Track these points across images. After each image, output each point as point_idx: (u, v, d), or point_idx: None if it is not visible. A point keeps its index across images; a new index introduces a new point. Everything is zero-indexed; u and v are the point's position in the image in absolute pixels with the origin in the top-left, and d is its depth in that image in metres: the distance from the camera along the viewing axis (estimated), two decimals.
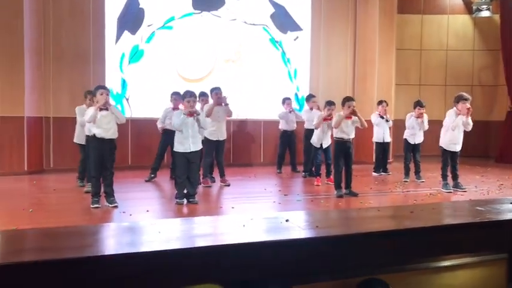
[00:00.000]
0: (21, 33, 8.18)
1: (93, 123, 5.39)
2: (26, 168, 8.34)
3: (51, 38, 8.84)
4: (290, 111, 8.67)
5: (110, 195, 5.50)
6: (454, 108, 6.57)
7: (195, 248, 2.12)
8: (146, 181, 7.53)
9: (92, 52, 9.10)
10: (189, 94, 5.87)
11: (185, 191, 5.80)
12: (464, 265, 2.81)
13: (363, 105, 10.26)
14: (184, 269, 2.04)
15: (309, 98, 8.71)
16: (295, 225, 2.52)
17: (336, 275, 2.52)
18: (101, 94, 5.38)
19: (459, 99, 6.48)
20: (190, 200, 5.79)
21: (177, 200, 5.77)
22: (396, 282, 2.59)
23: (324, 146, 7.50)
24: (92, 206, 5.38)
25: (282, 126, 8.74)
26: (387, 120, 8.56)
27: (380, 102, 8.61)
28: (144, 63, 9.42)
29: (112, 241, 2.24)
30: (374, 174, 8.52)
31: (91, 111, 5.38)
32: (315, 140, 7.56)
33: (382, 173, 8.54)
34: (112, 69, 9.24)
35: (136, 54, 9.37)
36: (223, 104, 7.19)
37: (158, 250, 1.98)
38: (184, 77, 9.68)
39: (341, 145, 6.31)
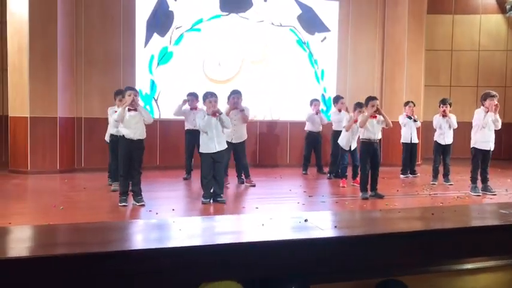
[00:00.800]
0: (54, 37, 8.45)
1: (121, 123, 5.52)
2: (58, 167, 8.60)
3: (83, 42, 9.09)
4: (316, 113, 8.67)
5: (137, 194, 5.62)
6: (482, 107, 6.45)
7: (213, 245, 2.16)
8: (184, 179, 7.78)
9: (122, 54, 9.31)
10: (210, 94, 5.98)
11: (212, 191, 5.89)
12: (487, 268, 2.77)
13: (391, 107, 10.17)
14: (201, 265, 2.08)
15: (337, 99, 8.67)
16: (314, 225, 2.54)
17: (354, 275, 2.53)
18: (129, 95, 5.51)
19: (486, 96, 6.37)
20: (218, 199, 5.86)
21: (203, 200, 5.84)
22: (416, 284, 2.57)
23: (352, 148, 7.46)
24: (119, 204, 5.52)
25: (308, 127, 8.75)
26: (415, 121, 8.45)
27: (407, 103, 8.52)
28: (172, 65, 9.57)
29: (138, 237, 2.30)
30: (401, 176, 8.41)
31: (120, 110, 5.52)
32: (343, 142, 7.52)
33: (410, 175, 8.43)
34: (141, 71, 9.42)
35: (165, 56, 9.54)
36: (238, 109, 7.09)
37: (177, 246, 2.03)
38: (212, 78, 9.79)
39: (368, 146, 6.27)
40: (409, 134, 8.43)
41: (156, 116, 9.52)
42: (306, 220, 2.64)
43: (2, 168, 8.65)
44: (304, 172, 8.73)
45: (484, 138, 6.42)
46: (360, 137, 6.47)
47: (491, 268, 2.78)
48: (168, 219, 2.98)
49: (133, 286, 1.95)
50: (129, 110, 5.52)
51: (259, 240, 2.32)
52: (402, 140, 8.55)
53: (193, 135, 6.78)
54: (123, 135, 5.56)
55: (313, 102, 8.84)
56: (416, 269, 2.64)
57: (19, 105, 8.51)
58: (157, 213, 5.15)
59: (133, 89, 5.78)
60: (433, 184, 7.44)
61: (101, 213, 5.24)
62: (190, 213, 5.44)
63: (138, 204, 5.55)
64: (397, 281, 2.48)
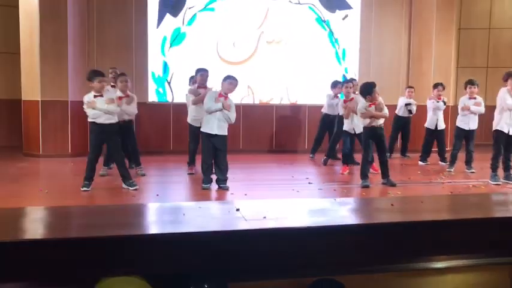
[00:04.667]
0: (65, 19, 8.36)
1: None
2: (69, 151, 8.57)
3: (94, 24, 8.97)
4: (335, 96, 8.15)
5: (126, 179, 5.42)
6: (507, 87, 5.81)
7: (113, 236, 1.86)
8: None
9: (134, 37, 9.14)
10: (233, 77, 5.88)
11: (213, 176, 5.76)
12: (456, 268, 2.34)
13: (418, 89, 9.51)
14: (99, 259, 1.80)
15: (335, 84, 8.18)
16: (243, 215, 2.18)
17: (284, 274, 2.17)
18: (99, 82, 5.42)
19: (508, 76, 5.72)
20: (221, 185, 5.71)
21: (203, 185, 5.69)
22: (366, 285, 2.18)
23: (357, 132, 6.95)
24: (81, 188, 5.35)
25: (324, 109, 8.29)
26: (444, 103, 7.80)
27: (435, 86, 7.86)
28: (185, 46, 9.31)
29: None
30: (420, 163, 7.83)
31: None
32: (347, 127, 7.01)
33: (441, 163, 7.77)
34: (154, 52, 9.22)
35: (177, 37, 9.28)
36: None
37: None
38: (226, 59, 9.46)
39: (371, 132, 5.81)
40: (434, 119, 7.81)
41: (169, 99, 9.33)
42: (237, 209, 2.30)
43: (17, 151, 8.71)
44: (311, 156, 8.36)
45: (508, 120, 5.78)
46: (363, 124, 6.00)
47: (461, 268, 2.34)
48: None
49: None
50: (95, 96, 5.38)
51: (169, 232, 2.00)
52: (426, 125, 7.94)
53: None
54: (93, 122, 5.44)
55: (337, 85, 8.27)
56: (365, 269, 2.25)
57: (30, 89, 8.51)
58: (157, 195, 4.93)
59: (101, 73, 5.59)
60: (449, 172, 6.84)
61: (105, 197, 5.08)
62: (186, 199, 5.25)
63: (131, 189, 5.35)
64: (333, 281, 2.10)
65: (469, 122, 6.94)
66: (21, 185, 5.68)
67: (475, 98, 6.96)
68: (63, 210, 2.65)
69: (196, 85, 6.79)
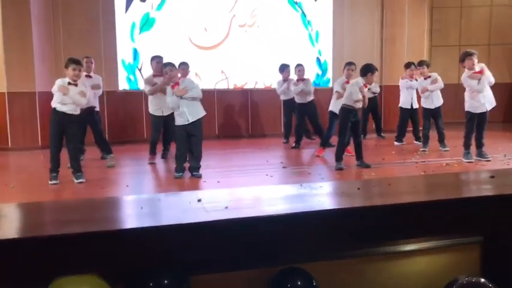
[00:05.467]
0: (27, 5, 8.04)
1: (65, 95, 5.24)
2: (40, 143, 8.31)
3: (60, 9, 8.66)
4: (284, 80, 8.09)
5: (75, 171, 5.27)
6: (466, 71, 5.85)
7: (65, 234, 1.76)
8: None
9: (102, 23, 8.86)
10: (165, 64, 5.66)
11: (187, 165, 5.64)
12: (426, 250, 2.30)
13: (392, 70, 9.53)
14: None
15: (283, 68, 8.12)
16: (204, 206, 2.09)
17: (248, 265, 2.09)
18: (73, 69, 5.23)
19: (465, 56, 5.77)
20: (194, 173, 5.58)
21: (175, 174, 5.55)
22: (332, 271, 2.13)
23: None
24: (49, 182, 5.20)
25: (282, 96, 8.31)
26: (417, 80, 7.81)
27: (408, 65, 7.84)
28: (155, 31, 9.08)
29: None
30: (396, 143, 7.84)
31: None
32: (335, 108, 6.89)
33: (416, 142, 7.80)
34: (123, 39, 8.97)
35: (147, 23, 9.05)
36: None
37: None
38: (198, 44, 9.27)
39: (349, 113, 5.76)
40: (409, 98, 7.81)
41: (141, 87, 9.11)
42: (199, 200, 2.20)
43: None
44: (284, 141, 8.30)
45: (482, 99, 5.82)
46: (343, 102, 5.93)
47: (429, 250, 2.31)
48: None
49: None
50: (69, 83, 5.21)
51: (123, 228, 1.90)
52: (401, 105, 7.94)
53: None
54: (55, 108, 5.23)
55: (285, 68, 8.17)
56: (331, 255, 2.19)
57: None
58: (127, 186, 4.80)
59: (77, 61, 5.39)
60: (423, 151, 6.86)
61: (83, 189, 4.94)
62: (157, 189, 5.12)
63: (76, 181, 5.23)
64: (298, 269, 2.04)
65: (432, 101, 7.00)
66: None
67: (429, 77, 7.02)
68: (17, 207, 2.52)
69: (151, 74, 6.63)
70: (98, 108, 7.09)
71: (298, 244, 2.03)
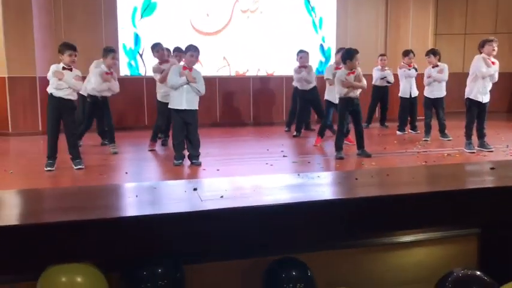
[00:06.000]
0: None
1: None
2: (40, 128, 8.30)
3: None
4: (300, 67, 7.96)
5: (73, 157, 5.25)
6: (482, 54, 5.73)
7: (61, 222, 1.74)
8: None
9: (103, 7, 8.78)
10: (192, 48, 5.54)
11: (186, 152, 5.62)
12: (424, 241, 2.28)
13: (396, 57, 9.40)
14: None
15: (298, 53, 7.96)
16: (199, 195, 2.07)
17: (243, 254, 2.08)
18: (69, 55, 5.18)
19: (484, 43, 5.66)
20: (193, 161, 5.56)
21: (174, 162, 5.54)
22: (321, 261, 2.11)
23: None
24: (45, 168, 5.17)
25: (294, 83, 8.15)
26: (416, 70, 7.74)
27: (406, 53, 7.77)
28: (157, 16, 8.99)
29: None
30: (398, 133, 7.79)
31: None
32: (331, 96, 6.85)
33: (411, 132, 7.79)
34: (124, 24, 8.89)
35: (148, 8, 8.95)
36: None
37: None
38: (200, 30, 9.18)
39: (347, 103, 5.70)
40: (408, 87, 7.74)
41: (142, 72, 9.07)
42: (195, 189, 2.18)
43: None
44: (286, 129, 8.26)
45: (480, 90, 5.74)
46: (338, 95, 5.87)
47: (426, 241, 2.29)
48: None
49: None
50: (63, 68, 5.18)
51: (117, 217, 1.88)
52: (400, 94, 7.88)
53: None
54: (51, 94, 5.21)
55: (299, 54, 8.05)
56: (327, 245, 2.17)
57: None
58: (126, 173, 4.77)
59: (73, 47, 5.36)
60: (425, 140, 6.81)
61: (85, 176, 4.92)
62: (156, 176, 5.10)
63: (75, 167, 5.20)
64: (293, 259, 2.02)
65: (434, 91, 6.95)
66: None
67: (437, 66, 6.94)
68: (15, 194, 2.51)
69: (158, 62, 6.62)
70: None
71: (294, 234, 2.00)
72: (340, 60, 6.95)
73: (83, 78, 6.03)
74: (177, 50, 6.78)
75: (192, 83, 5.34)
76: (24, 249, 1.74)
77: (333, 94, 6.50)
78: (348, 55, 5.76)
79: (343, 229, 2.01)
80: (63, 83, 5.12)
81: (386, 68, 8.46)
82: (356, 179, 2.26)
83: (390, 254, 2.21)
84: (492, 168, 2.51)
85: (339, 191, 2.16)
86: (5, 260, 1.73)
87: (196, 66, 5.65)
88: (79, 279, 1.78)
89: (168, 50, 7.02)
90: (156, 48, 6.64)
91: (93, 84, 6.29)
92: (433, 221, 2.16)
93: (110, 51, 6.36)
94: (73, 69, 5.26)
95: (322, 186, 2.23)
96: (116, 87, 6.35)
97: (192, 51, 5.46)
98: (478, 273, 1.78)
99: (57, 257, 1.81)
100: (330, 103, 6.85)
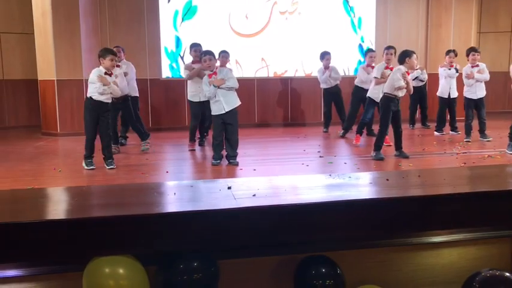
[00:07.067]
0: None
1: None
2: None
3: (106, 1, 8.93)
4: (325, 68, 8.04)
5: (106, 158, 5.46)
6: None
7: (102, 217, 1.88)
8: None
9: (146, 11, 9.07)
10: (205, 53, 5.69)
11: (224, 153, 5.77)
12: (456, 242, 2.29)
13: (437, 57, 9.23)
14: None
15: (324, 56, 8.07)
16: (233, 193, 2.17)
17: (274, 251, 2.16)
18: (111, 60, 5.40)
19: None
20: (231, 161, 5.68)
21: (213, 161, 5.68)
22: (350, 260, 2.16)
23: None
24: (85, 167, 5.40)
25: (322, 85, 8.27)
26: (457, 71, 7.57)
27: (447, 53, 7.63)
28: (197, 19, 9.20)
29: None
30: (436, 133, 7.66)
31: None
32: (374, 94, 6.80)
33: (452, 132, 7.64)
34: (166, 27, 9.15)
35: (189, 11, 9.17)
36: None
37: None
38: (239, 32, 9.33)
39: (391, 101, 5.67)
40: (447, 87, 7.60)
41: (184, 75, 9.28)
42: (229, 188, 2.28)
43: (37, 131, 8.87)
44: (324, 130, 8.28)
45: None
46: (385, 91, 5.84)
47: (458, 242, 2.30)
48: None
49: None
50: (105, 73, 5.41)
51: (154, 213, 2.00)
52: (439, 94, 7.74)
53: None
54: (91, 97, 5.42)
55: (324, 56, 8.11)
56: (356, 244, 2.22)
57: (46, 69, 8.57)
58: (167, 172, 4.99)
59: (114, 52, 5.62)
60: (467, 141, 6.68)
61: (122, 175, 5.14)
62: (195, 175, 5.25)
63: (108, 167, 5.41)
64: (323, 257, 2.08)
65: (476, 91, 6.81)
66: (37, 164, 5.79)
67: (477, 66, 6.80)
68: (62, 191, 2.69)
69: (191, 61, 6.81)
70: (137, 94, 7.30)
71: (324, 233, 2.07)
72: (370, 61, 7.01)
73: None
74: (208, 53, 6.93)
75: (221, 85, 5.45)
76: (72, 242, 1.88)
77: (376, 92, 6.52)
78: (406, 54, 5.73)
79: (372, 228, 2.06)
80: (107, 88, 5.33)
81: (417, 67, 8.33)
82: (387, 179, 2.29)
83: (420, 254, 2.24)
84: None
85: (368, 191, 2.21)
86: (54, 252, 1.88)
87: (232, 68, 5.77)
88: (121, 271, 1.91)
89: None
90: (195, 47, 6.80)
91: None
92: (464, 222, 2.17)
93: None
94: (112, 74, 5.48)
95: (352, 186, 2.28)
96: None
97: (206, 55, 5.57)
98: (507, 274, 1.79)
99: (101, 250, 1.95)
100: (371, 100, 6.83)
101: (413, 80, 8.21)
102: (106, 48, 5.67)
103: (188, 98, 6.80)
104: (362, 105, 7.43)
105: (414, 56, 5.72)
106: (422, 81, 8.30)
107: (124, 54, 7.33)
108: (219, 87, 5.47)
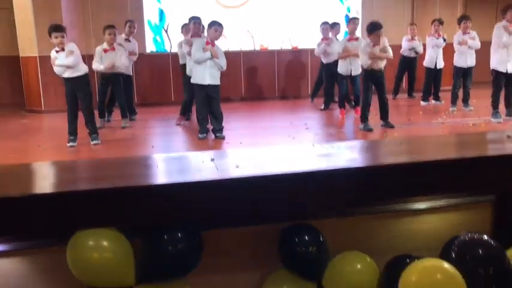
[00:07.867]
0: None
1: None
2: None
3: None
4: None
5: (91, 132, 5.41)
6: (503, 22, 5.58)
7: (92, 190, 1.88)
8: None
9: None
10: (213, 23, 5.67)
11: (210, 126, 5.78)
12: (434, 209, 2.33)
13: (423, 26, 9.19)
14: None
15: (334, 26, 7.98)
16: (217, 164, 2.17)
17: (257, 220, 2.18)
18: (109, 34, 5.70)
19: (508, 8, 5.51)
20: (217, 135, 5.70)
21: (199, 135, 5.69)
22: (333, 228, 2.19)
23: (353, 74, 6.80)
24: (67, 144, 5.36)
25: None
26: (444, 40, 7.57)
27: (432, 22, 7.61)
28: None
29: None
30: (422, 103, 7.72)
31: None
32: (342, 69, 6.85)
33: (435, 102, 7.70)
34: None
35: None
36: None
37: None
38: (223, 3, 9.18)
39: (370, 74, 5.67)
40: (434, 57, 7.61)
41: (167, 48, 9.17)
42: (212, 160, 2.28)
43: (21, 108, 8.75)
44: (311, 101, 8.35)
45: (503, 59, 5.62)
46: (364, 66, 5.85)
47: (440, 208, 2.33)
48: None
49: None
50: (57, 51, 5.48)
51: (138, 185, 2.00)
52: (425, 64, 7.76)
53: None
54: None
55: (334, 26, 8.03)
56: (337, 212, 2.24)
57: (27, 45, 8.43)
58: (153, 147, 4.94)
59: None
60: (452, 110, 6.73)
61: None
62: (181, 150, 5.25)
63: (92, 142, 5.40)
64: (305, 225, 2.11)
65: (466, 59, 6.83)
66: (22, 142, 5.74)
67: (469, 33, 6.78)
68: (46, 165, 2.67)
69: (189, 34, 6.65)
70: (130, 73, 7.19)
71: (306, 201, 2.09)
72: (352, 29, 6.96)
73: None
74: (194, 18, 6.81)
75: (215, 58, 5.43)
76: (56, 216, 1.87)
77: (344, 67, 6.65)
78: (372, 28, 5.70)
79: (354, 196, 2.08)
80: (59, 67, 5.37)
81: (415, 39, 8.31)
82: (369, 148, 2.31)
83: (402, 221, 2.27)
84: (509, 137, 2.51)
85: (350, 160, 2.22)
86: (39, 226, 1.88)
87: (220, 41, 5.73)
88: (105, 243, 1.91)
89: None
90: (194, 20, 6.66)
91: (95, 64, 6.46)
92: (445, 188, 2.20)
93: (106, 27, 6.38)
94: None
95: (334, 155, 2.29)
96: (121, 61, 6.33)
97: (217, 26, 5.54)
98: (485, 237, 1.82)
99: (86, 223, 1.95)
100: (341, 76, 6.89)
101: (410, 50, 8.22)
102: (52, 25, 5.65)
103: (187, 73, 6.71)
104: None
105: (380, 30, 5.66)
106: (417, 53, 8.28)
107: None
108: (211, 59, 5.45)
